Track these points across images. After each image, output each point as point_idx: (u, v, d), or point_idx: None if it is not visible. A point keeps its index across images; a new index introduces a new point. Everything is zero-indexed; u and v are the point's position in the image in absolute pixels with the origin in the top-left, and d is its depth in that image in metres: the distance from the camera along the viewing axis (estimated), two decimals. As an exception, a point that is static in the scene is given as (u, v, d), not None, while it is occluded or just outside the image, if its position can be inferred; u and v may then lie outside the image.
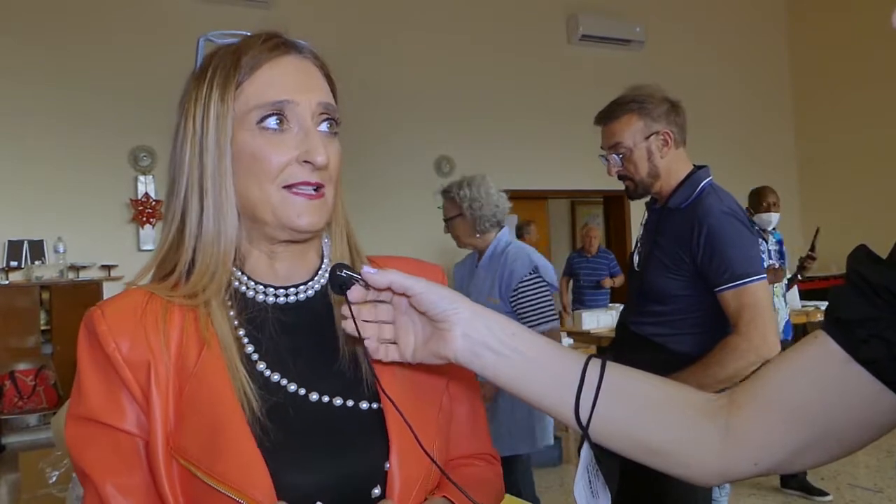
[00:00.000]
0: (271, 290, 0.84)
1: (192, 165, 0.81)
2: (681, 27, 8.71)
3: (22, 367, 5.37)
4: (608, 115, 2.05)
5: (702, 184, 1.97)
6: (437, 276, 0.95)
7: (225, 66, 0.81)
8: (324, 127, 0.82)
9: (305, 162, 0.78)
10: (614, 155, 2.03)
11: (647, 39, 8.36)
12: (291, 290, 0.85)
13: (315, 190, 0.80)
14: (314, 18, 6.66)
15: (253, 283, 0.83)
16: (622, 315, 2.23)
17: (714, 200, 1.92)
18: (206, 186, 0.80)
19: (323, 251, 0.89)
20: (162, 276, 0.83)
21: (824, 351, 0.65)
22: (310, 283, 0.86)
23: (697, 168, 2.03)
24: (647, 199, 2.14)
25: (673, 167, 2.01)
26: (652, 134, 1.99)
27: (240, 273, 0.84)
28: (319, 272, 0.87)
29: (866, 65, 8.22)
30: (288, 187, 0.79)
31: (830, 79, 8.86)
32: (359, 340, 0.77)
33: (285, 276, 0.85)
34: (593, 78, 7.56)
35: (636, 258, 2.16)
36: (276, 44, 0.82)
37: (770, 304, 1.84)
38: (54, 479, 2.02)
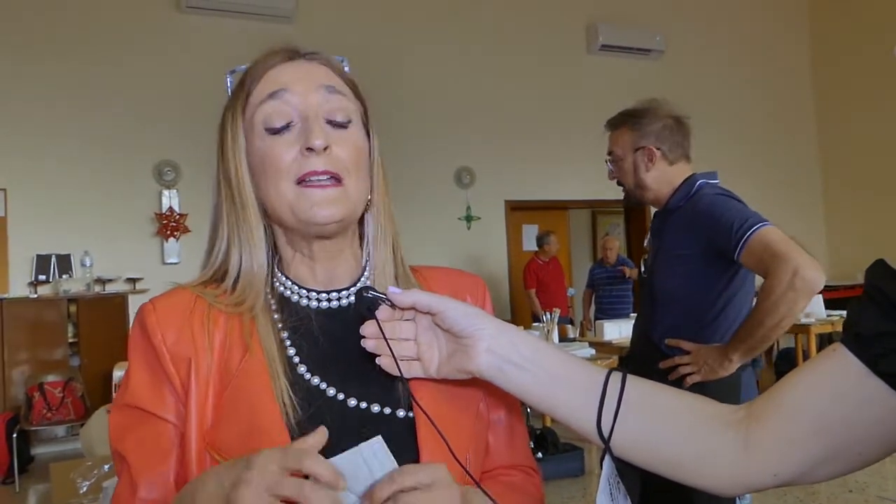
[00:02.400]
0: (314, 294, 0.86)
1: (223, 185, 0.85)
2: (701, 35, 8.68)
3: (50, 379, 5.45)
4: (610, 124, 2.20)
5: (697, 182, 2.06)
6: (476, 286, 0.96)
7: (236, 87, 0.86)
8: (338, 118, 0.83)
9: (308, 150, 0.79)
10: (608, 162, 2.18)
11: (667, 48, 8.34)
12: (333, 294, 0.86)
13: (329, 179, 0.80)
14: (335, 31, 6.74)
15: (297, 288, 0.86)
16: (635, 326, 2.28)
17: (708, 190, 2.03)
18: (237, 203, 0.84)
19: (366, 258, 0.90)
20: (207, 282, 0.86)
21: (843, 364, 0.66)
22: (351, 289, 0.87)
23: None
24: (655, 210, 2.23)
25: (663, 181, 2.10)
26: (639, 148, 2.09)
27: (284, 277, 0.87)
28: (361, 279, 0.89)
29: (891, 70, 8.12)
30: (301, 182, 0.80)
31: (853, 85, 8.77)
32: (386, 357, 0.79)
33: (326, 279, 0.87)
34: (613, 87, 7.56)
35: (643, 266, 2.24)
36: (279, 52, 0.86)
37: (786, 238, 1.82)
38: (85, 489, 2.05)
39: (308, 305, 0.86)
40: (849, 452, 0.66)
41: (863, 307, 0.65)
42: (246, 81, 0.84)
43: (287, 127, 0.81)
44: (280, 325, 0.84)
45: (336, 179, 0.80)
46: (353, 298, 0.87)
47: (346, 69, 0.90)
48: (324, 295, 0.86)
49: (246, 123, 0.83)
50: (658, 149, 2.08)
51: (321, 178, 0.79)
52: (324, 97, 0.82)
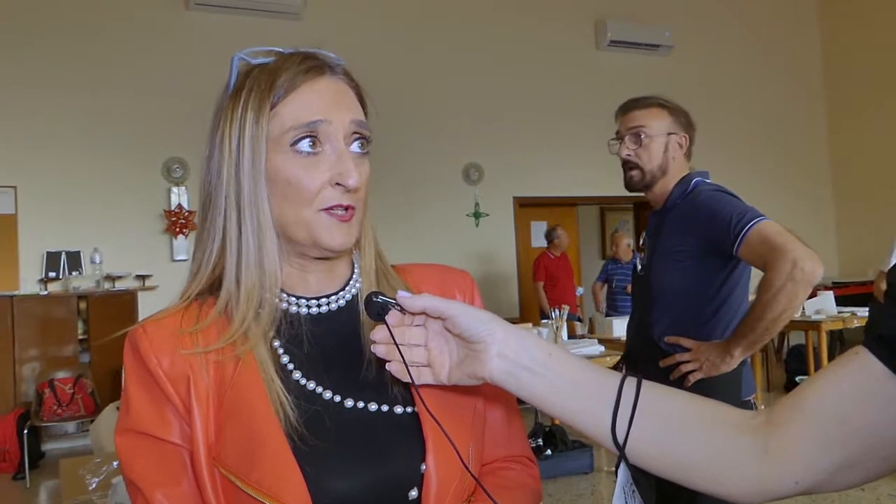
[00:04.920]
0: (304, 301, 0.86)
1: (230, 185, 0.82)
2: (710, 31, 8.63)
3: (60, 375, 5.48)
4: (636, 103, 2.12)
5: (693, 180, 2.06)
6: (464, 281, 0.96)
7: (260, 88, 0.81)
8: (355, 147, 0.83)
9: (338, 184, 0.80)
10: (635, 134, 2.07)
11: (676, 44, 8.29)
12: (323, 300, 0.87)
13: (345, 210, 0.81)
14: (343, 28, 6.73)
15: (286, 296, 0.86)
16: (630, 325, 2.27)
17: (704, 186, 2.03)
18: (244, 206, 0.82)
19: (354, 263, 0.91)
20: (200, 299, 0.84)
21: (865, 367, 0.64)
22: (340, 294, 0.88)
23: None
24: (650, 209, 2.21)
25: (677, 172, 2.09)
26: (674, 133, 2.08)
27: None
28: (350, 283, 0.89)
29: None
30: (322, 210, 0.80)
31: (865, 80, 8.70)
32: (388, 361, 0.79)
33: (317, 287, 0.87)
34: (622, 83, 7.51)
35: (639, 265, 2.21)
36: (311, 66, 0.83)
37: (784, 231, 1.81)
38: (94, 485, 2.05)
39: (298, 312, 0.86)
40: (873, 458, 0.64)
41: (886, 308, 0.64)
42: (277, 86, 0.81)
43: (317, 151, 0.81)
44: (272, 334, 0.83)
45: (350, 209, 0.82)
46: (341, 302, 0.87)
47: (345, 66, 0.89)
48: (313, 301, 0.86)
49: (271, 136, 0.81)
50: (687, 139, 2.10)
51: (341, 210, 0.81)
52: (355, 127, 0.83)
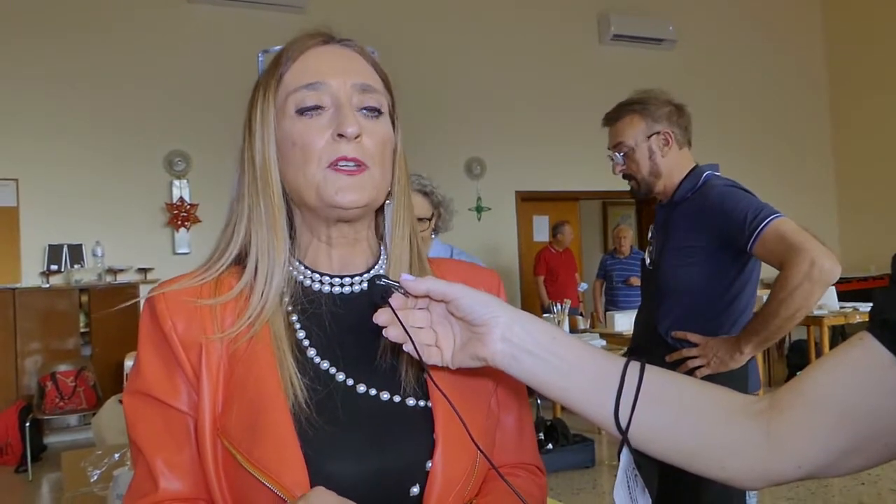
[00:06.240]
0: (326, 278, 0.85)
1: (247, 164, 0.84)
2: (713, 24, 8.60)
3: (62, 368, 5.48)
4: (612, 117, 2.14)
5: (704, 174, 2.04)
6: (492, 279, 0.95)
7: (270, 66, 0.85)
8: (363, 111, 0.83)
9: (340, 136, 0.79)
10: (617, 154, 2.12)
11: (679, 38, 8.27)
12: (347, 279, 0.86)
13: (355, 166, 0.80)
14: (347, 22, 6.67)
15: (310, 272, 0.85)
16: (637, 319, 2.27)
17: (716, 181, 2.01)
18: (257, 177, 0.83)
19: (381, 249, 0.90)
20: (223, 271, 0.84)
21: (869, 353, 0.63)
22: (366, 275, 0.87)
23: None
24: (656, 203, 2.20)
25: (675, 166, 2.08)
26: (653, 134, 2.06)
27: (297, 262, 0.86)
28: (375, 267, 0.88)
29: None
30: (330, 166, 0.80)
31: (868, 73, 8.68)
32: (402, 345, 0.78)
33: (340, 265, 0.86)
34: (625, 77, 7.47)
35: (647, 259, 2.20)
36: (315, 34, 0.85)
37: (801, 229, 1.80)
38: (96, 477, 2.06)
39: (320, 290, 0.85)
40: (875, 444, 0.64)
41: (890, 294, 0.63)
42: (281, 62, 0.84)
43: (319, 111, 0.81)
44: (290, 308, 0.83)
45: (362, 166, 0.80)
46: (365, 285, 0.86)
47: (376, 58, 0.89)
48: (336, 279, 0.86)
49: (277, 104, 0.83)
50: (672, 132, 2.06)
51: (349, 164, 0.80)
52: (359, 89, 0.83)
